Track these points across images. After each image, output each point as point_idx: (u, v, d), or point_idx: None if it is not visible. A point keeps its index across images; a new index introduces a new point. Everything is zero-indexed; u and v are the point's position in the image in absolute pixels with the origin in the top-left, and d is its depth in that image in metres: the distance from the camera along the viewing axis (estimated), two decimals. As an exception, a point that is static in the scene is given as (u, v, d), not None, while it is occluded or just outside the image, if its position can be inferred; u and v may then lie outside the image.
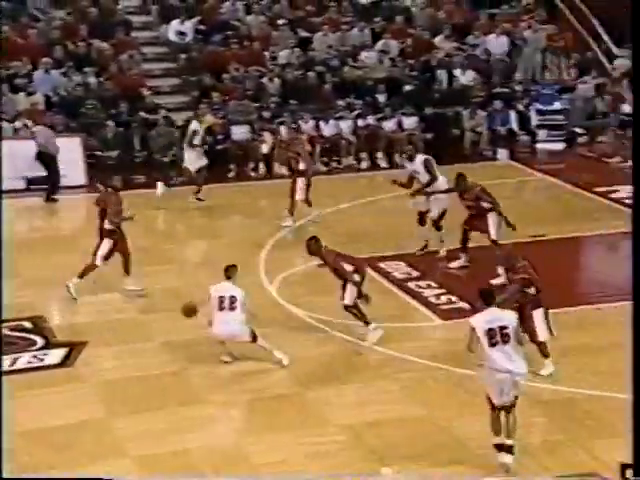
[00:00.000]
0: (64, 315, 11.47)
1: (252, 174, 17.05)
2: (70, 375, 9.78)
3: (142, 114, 17.35)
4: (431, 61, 19.03)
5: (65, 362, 10.10)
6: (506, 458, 8.08)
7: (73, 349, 10.36)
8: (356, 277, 10.41)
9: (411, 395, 9.51)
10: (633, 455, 6.22)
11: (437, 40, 19.54)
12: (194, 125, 15.44)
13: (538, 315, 9.50)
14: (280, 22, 19.36)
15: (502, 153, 17.88)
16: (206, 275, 11.70)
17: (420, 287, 12.04)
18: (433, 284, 12.10)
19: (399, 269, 12.53)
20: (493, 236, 12.26)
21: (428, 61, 19.04)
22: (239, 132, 17.27)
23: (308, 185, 14.22)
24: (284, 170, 17.12)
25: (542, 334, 9.50)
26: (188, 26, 19.10)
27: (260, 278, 12.22)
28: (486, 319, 8.16)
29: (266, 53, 18.89)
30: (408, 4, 20.54)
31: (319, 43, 19.18)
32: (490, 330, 8.06)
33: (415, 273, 12.43)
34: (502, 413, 8.14)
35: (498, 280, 11.59)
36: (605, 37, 19.90)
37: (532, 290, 9.53)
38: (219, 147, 16.97)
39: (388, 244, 13.36)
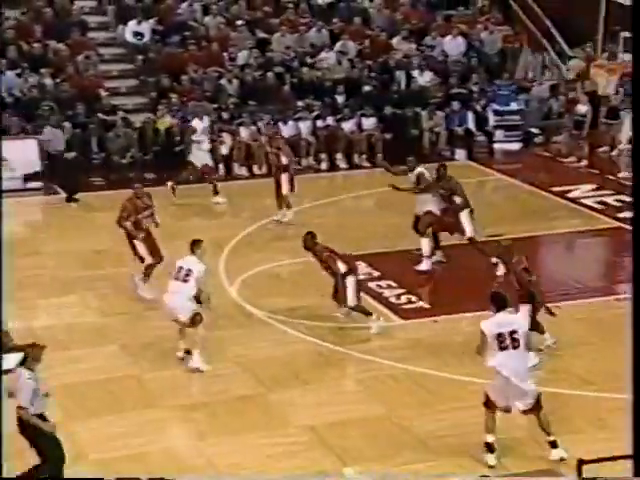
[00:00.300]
0: (22, 318, 11.31)
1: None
2: (28, 380, 9.61)
3: (100, 115, 17.18)
4: (389, 62, 19.11)
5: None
6: (554, 453, 8.21)
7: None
8: (352, 277, 10.65)
9: (372, 395, 9.54)
10: (633, 454, 6.23)
11: (395, 41, 19.62)
12: (194, 122, 15.74)
13: (525, 308, 9.66)
14: (238, 23, 19.30)
15: (460, 153, 18.00)
16: (166, 277, 11.61)
17: (381, 287, 12.08)
18: (393, 284, 12.15)
19: (360, 269, 12.53)
20: (469, 234, 12.37)
21: (386, 62, 19.12)
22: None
23: (291, 179, 14.31)
24: (244, 171, 17.11)
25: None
26: (145, 27, 18.95)
27: (220, 279, 12.17)
28: (497, 323, 8.27)
29: (224, 54, 18.82)
30: (365, 5, 20.60)
31: (277, 44, 19.16)
32: (500, 335, 8.18)
33: (376, 273, 12.47)
34: (537, 414, 8.25)
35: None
36: (559, 38, 20.14)
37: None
38: (177, 148, 16.85)
39: (349, 244, 13.33)
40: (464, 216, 12.39)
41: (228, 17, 19.55)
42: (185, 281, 9.86)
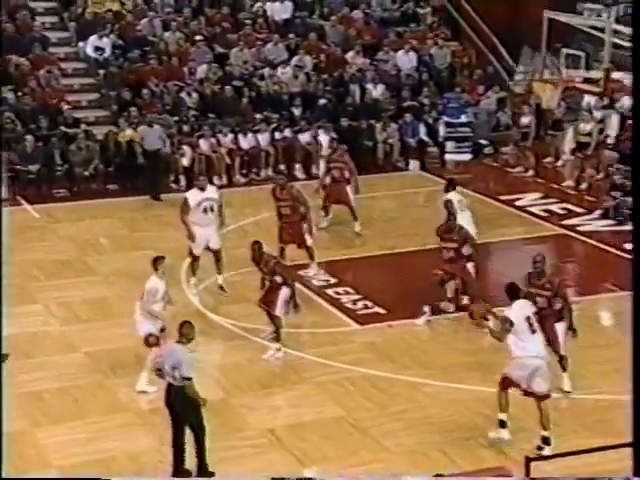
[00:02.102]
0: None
1: (173, 186, 16.90)
2: (-8, 388, 9.52)
3: (62, 128, 17.03)
4: (344, 76, 19.23)
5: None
6: (546, 451, 8.33)
7: (-5, 362, 10.07)
8: (287, 289, 10.36)
9: (330, 397, 9.58)
10: (633, 455, 6.29)
11: (349, 56, 19.75)
12: (320, 137, 15.65)
13: (561, 328, 9.36)
14: (197, 38, 19.28)
15: (413, 164, 18.15)
16: (128, 286, 11.55)
17: (338, 293, 12.13)
18: (350, 290, 12.20)
19: (317, 276, 12.60)
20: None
21: (341, 76, 19.23)
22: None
23: (356, 192, 14.29)
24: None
25: (562, 347, 9.32)
26: (106, 42, 18.84)
27: (182, 288, 12.12)
28: (520, 307, 8.46)
29: (184, 68, 18.78)
30: (321, 22, 20.70)
31: (235, 59, 19.17)
32: (528, 318, 8.39)
33: (332, 280, 12.52)
34: (539, 403, 8.42)
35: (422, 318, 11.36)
36: (505, 54, 20.43)
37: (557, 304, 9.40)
38: (139, 160, 16.75)
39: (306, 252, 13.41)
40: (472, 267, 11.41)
41: (187, 33, 19.52)
42: (141, 298, 9.73)
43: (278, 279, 10.37)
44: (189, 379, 8.01)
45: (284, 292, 10.34)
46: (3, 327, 10.98)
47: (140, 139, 16.46)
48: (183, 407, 8.07)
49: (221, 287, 12.03)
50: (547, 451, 8.37)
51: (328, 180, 14.54)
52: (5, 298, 11.68)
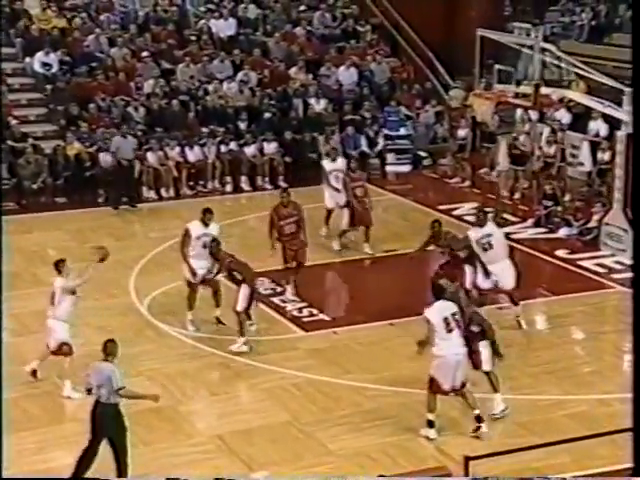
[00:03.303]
0: None
1: (121, 199, 16.71)
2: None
3: (10, 142, 16.74)
4: (288, 91, 19.28)
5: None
6: (484, 428, 8.64)
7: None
8: (245, 286, 10.57)
9: (277, 403, 9.56)
10: (633, 455, 6.30)
11: (292, 71, 19.81)
12: (323, 162, 14.63)
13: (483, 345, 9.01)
14: (143, 54, 19.14)
15: (355, 175, 18.19)
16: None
17: (284, 302, 12.11)
18: (295, 298, 12.18)
19: (263, 285, 12.56)
20: (468, 285, 11.04)
21: (285, 90, 19.29)
22: (107, 159, 16.88)
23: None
24: (152, 194, 16.94)
25: (487, 365, 9.00)
26: (53, 58, 18.61)
27: (131, 298, 11.98)
28: (438, 309, 8.59)
29: (131, 84, 18.62)
30: (264, 38, 20.72)
31: (182, 74, 19.08)
32: (445, 319, 8.52)
33: (278, 289, 12.49)
34: (458, 395, 8.64)
35: None
36: (441, 70, 20.69)
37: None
38: (88, 173, 16.56)
39: (253, 262, 13.36)
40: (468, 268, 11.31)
41: (133, 49, 19.38)
42: (52, 304, 9.69)
43: (238, 276, 10.61)
44: (122, 388, 7.94)
45: (243, 289, 10.58)
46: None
47: (115, 149, 16.34)
48: (105, 424, 7.95)
49: (218, 319, 11.20)
50: (483, 427, 8.59)
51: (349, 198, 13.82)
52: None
